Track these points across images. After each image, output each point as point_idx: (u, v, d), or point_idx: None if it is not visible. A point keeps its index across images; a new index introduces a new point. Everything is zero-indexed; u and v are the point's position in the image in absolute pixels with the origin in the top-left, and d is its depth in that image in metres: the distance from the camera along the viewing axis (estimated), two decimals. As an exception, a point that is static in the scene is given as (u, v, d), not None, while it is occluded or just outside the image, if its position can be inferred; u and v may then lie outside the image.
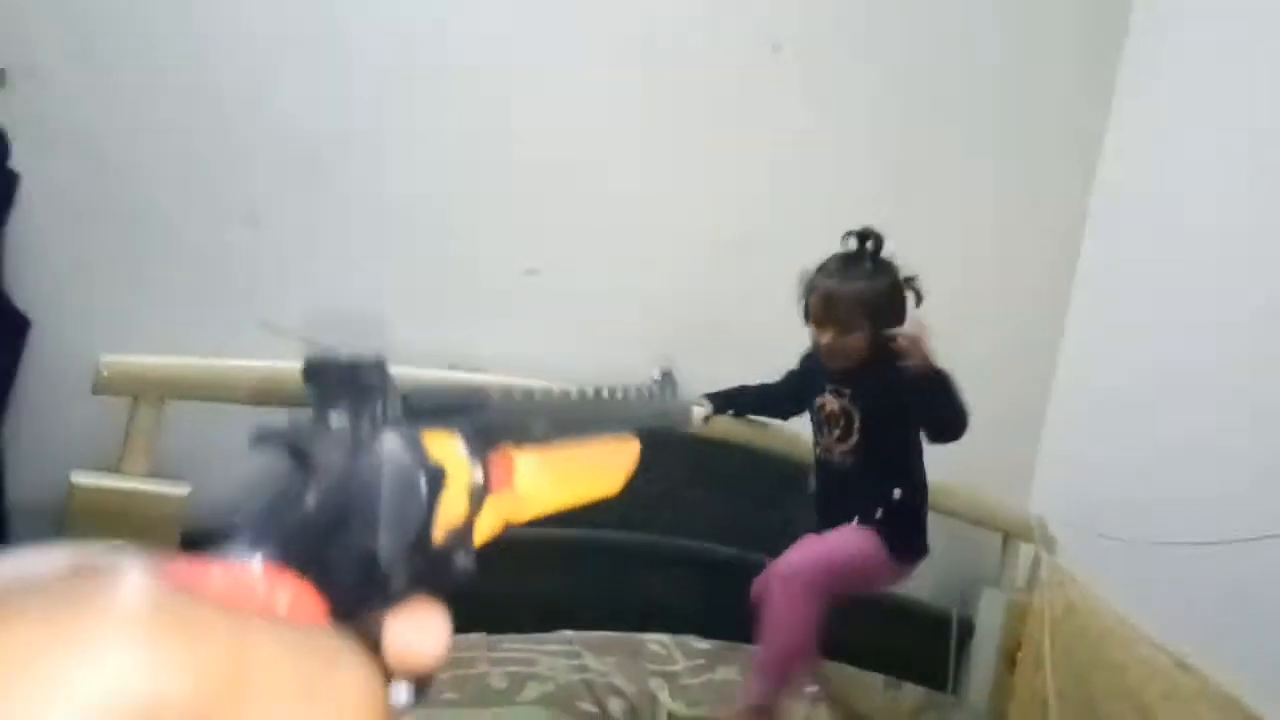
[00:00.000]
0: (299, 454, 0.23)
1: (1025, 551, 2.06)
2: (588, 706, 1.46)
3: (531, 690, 1.43)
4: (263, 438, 0.23)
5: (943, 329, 2.02)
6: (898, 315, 1.52)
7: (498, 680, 1.43)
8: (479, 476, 0.25)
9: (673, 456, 1.74)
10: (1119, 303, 2.09)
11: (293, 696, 0.19)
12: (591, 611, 1.62)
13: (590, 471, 0.32)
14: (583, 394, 0.33)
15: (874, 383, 1.53)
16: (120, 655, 0.17)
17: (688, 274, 1.85)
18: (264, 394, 1.39)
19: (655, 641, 1.61)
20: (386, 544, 0.23)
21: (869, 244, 1.53)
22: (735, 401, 1.69)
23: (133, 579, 0.18)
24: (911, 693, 1.83)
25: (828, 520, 1.60)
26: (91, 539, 1.24)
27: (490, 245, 1.69)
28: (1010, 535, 2.05)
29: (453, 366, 1.61)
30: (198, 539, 1.34)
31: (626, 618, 1.64)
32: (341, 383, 0.23)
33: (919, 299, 1.55)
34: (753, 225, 1.86)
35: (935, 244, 2.00)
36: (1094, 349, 2.13)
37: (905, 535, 1.58)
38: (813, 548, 1.55)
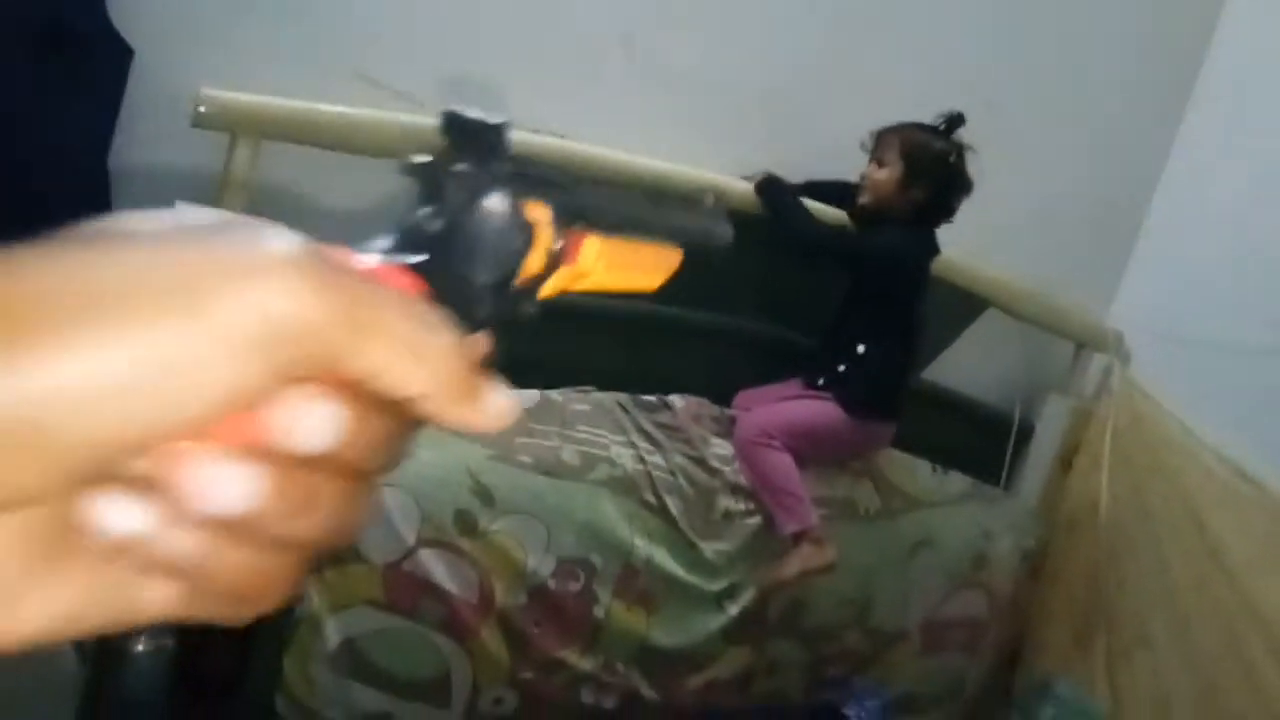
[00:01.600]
0: (434, 188, 0.28)
1: (1098, 362, 2.05)
2: (649, 497, 1.53)
3: (601, 471, 1.50)
4: (413, 169, 0.28)
5: (1047, 137, 1.94)
6: (933, 181, 1.58)
7: (569, 456, 1.50)
8: (558, 246, 0.30)
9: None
10: (1232, 117, 1.97)
11: (405, 349, 0.22)
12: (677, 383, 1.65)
13: (639, 266, 0.37)
14: (641, 197, 0.38)
15: (873, 236, 1.61)
16: (272, 281, 0.20)
17: (794, 59, 1.75)
18: (360, 143, 1.39)
19: (721, 444, 1.63)
20: (482, 276, 0.28)
21: (946, 123, 1.61)
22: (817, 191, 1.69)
23: (280, 230, 0.21)
24: (958, 481, 1.89)
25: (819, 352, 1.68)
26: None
27: (584, 6, 1.62)
28: (1084, 345, 2.03)
29: (536, 130, 1.58)
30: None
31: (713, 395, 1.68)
32: (470, 137, 0.28)
33: (959, 187, 1.61)
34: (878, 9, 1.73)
35: (1050, 47, 1.87)
36: (1200, 162, 2.02)
37: (867, 395, 1.61)
38: (772, 411, 1.63)
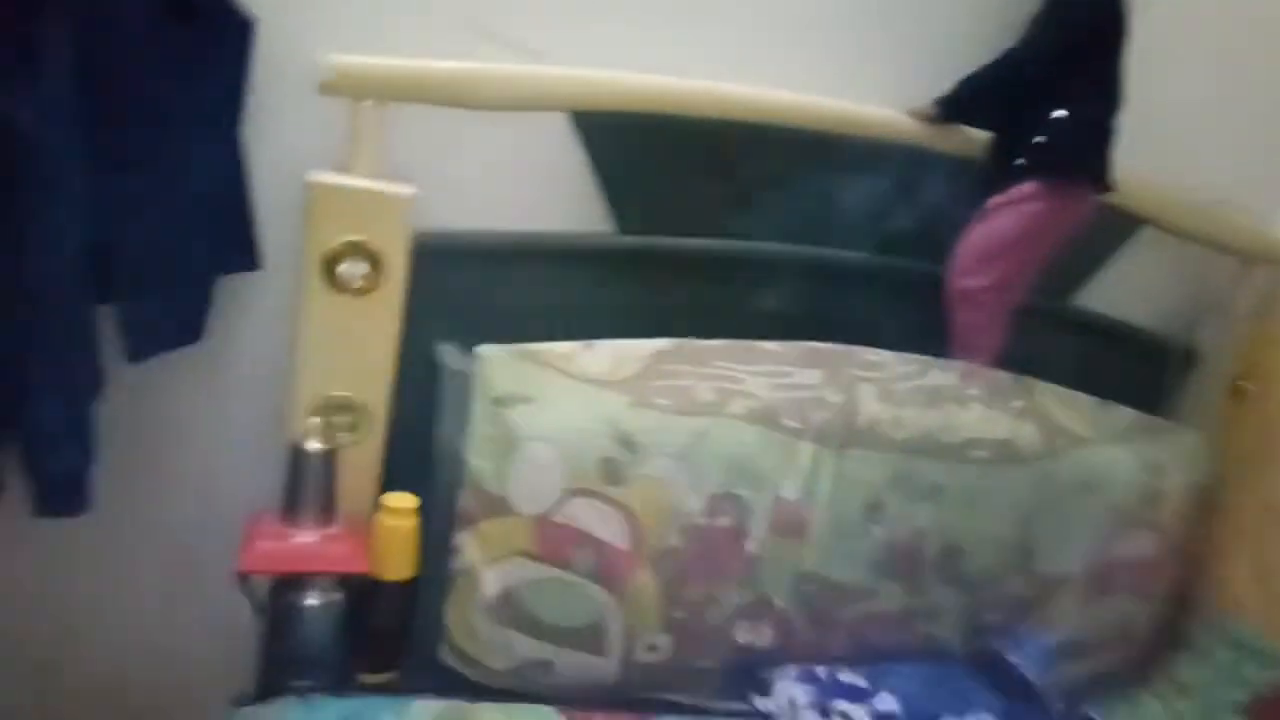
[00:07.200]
0: None
1: (1264, 276, 1.89)
2: (790, 422, 1.49)
3: (738, 405, 1.47)
4: None
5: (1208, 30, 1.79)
6: None
7: (705, 394, 1.47)
8: None
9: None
10: None
11: None
12: (801, 329, 1.61)
13: None
14: None
15: None
16: None
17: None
18: (483, 98, 1.39)
19: (871, 352, 1.60)
20: None
21: None
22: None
23: None
24: (1122, 414, 1.77)
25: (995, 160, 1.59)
26: (329, 236, 1.33)
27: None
28: (1249, 259, 1.88)
29: (654, 71, 1.55)
30: (429, 240, 1.41)
31: (838, 336, 1.62)
32: None
33: None
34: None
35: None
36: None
37: (1075, 156, 1.53)
38: (964, 245, 1.58)
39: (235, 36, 1.30)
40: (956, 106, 1.58)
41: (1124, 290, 1.87)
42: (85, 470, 1.29)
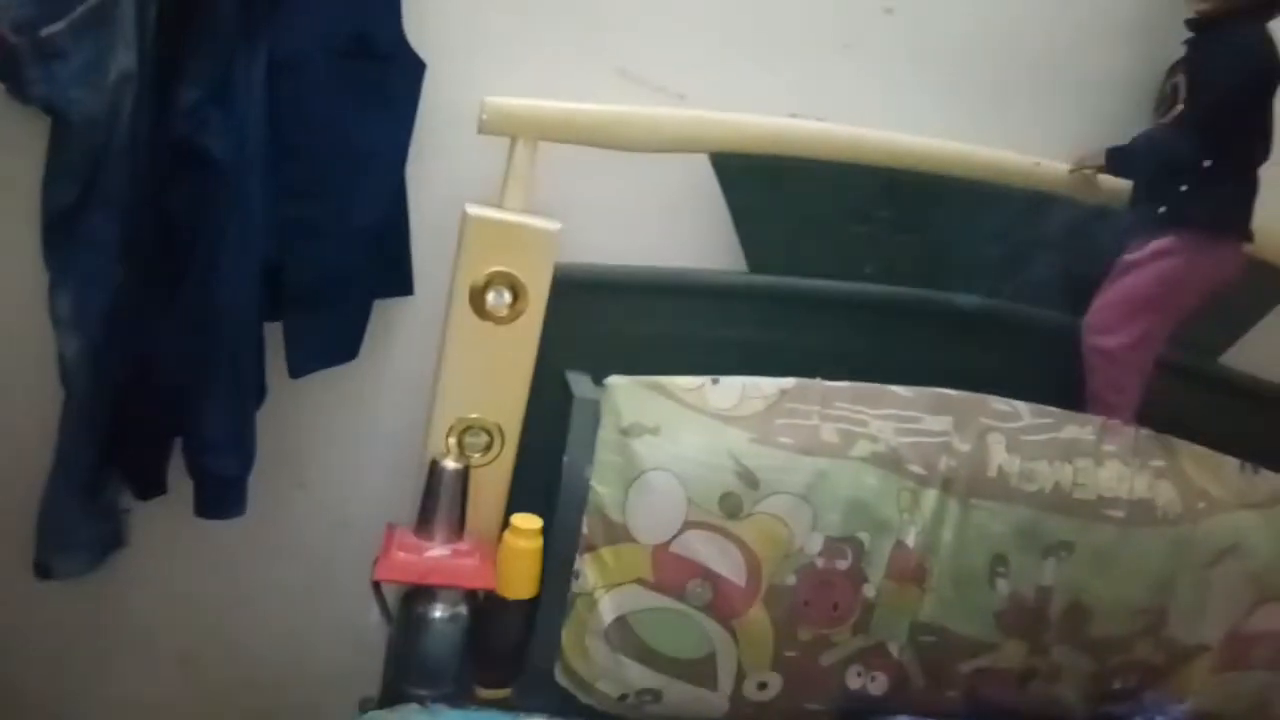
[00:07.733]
0: None
1: None
2: (915, 468, 1.48)
3: (861, 448, 1.47)
4: None
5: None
6: None
7: (829, 434, 1.47)
8: None
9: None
10: None
11: None
12: (928, 375, 1.59)
13: None
14: None
15: (1216, 45, 1.48)
16: None
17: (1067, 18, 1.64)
18: (627, 138, 1.45)
19: (1003, 402, 1.57)
20: None
21: None
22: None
23: None
24: (1269, 480, 1.68)
25: (1136, 209, 1.57)
26: (480, 266, 1.40)
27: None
28: None
29: (793, 115, 1.58)
30: (568, 272, 1.47)
31: (968, 383, 1.60)
32: None
33: None
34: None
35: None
36: None
37: (1218, 206, 1.49)
38: (1101, 303, 1.57)
39: (407, 78, 1.39)
40: (1131, 161, 1.57)
41: (1276, 351, 1.79)
42: (243, 477, 1.39)
